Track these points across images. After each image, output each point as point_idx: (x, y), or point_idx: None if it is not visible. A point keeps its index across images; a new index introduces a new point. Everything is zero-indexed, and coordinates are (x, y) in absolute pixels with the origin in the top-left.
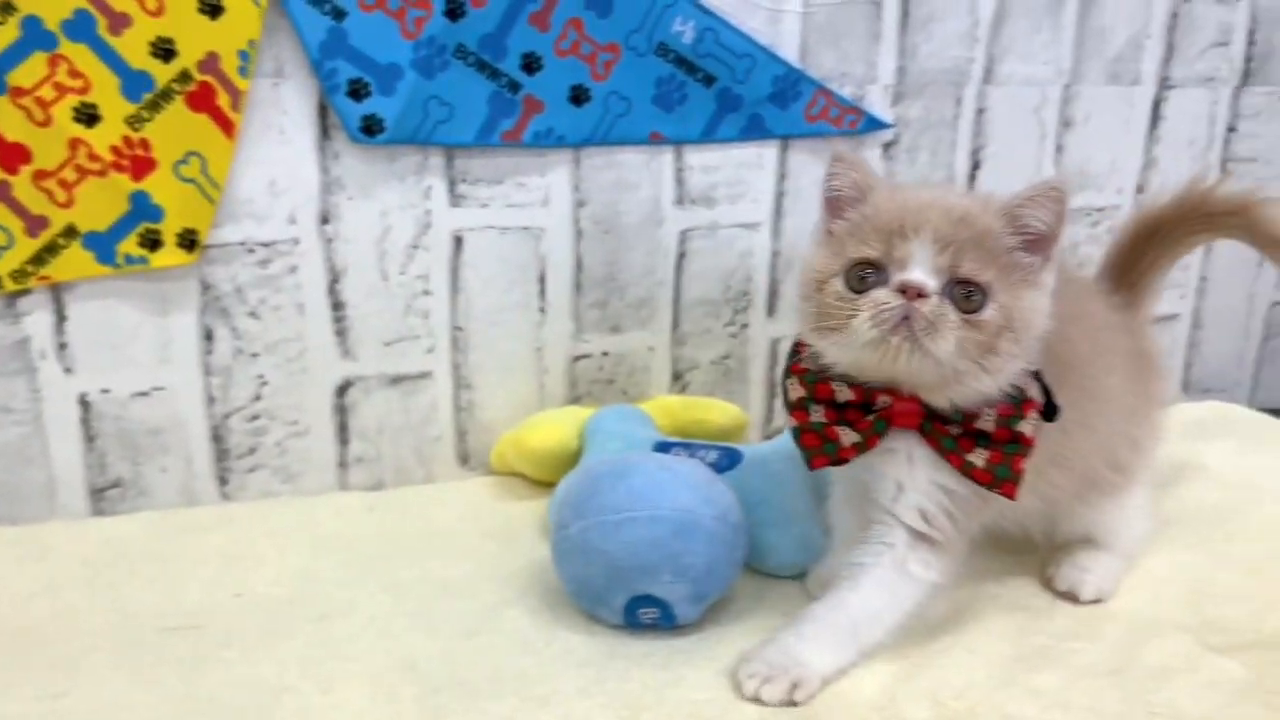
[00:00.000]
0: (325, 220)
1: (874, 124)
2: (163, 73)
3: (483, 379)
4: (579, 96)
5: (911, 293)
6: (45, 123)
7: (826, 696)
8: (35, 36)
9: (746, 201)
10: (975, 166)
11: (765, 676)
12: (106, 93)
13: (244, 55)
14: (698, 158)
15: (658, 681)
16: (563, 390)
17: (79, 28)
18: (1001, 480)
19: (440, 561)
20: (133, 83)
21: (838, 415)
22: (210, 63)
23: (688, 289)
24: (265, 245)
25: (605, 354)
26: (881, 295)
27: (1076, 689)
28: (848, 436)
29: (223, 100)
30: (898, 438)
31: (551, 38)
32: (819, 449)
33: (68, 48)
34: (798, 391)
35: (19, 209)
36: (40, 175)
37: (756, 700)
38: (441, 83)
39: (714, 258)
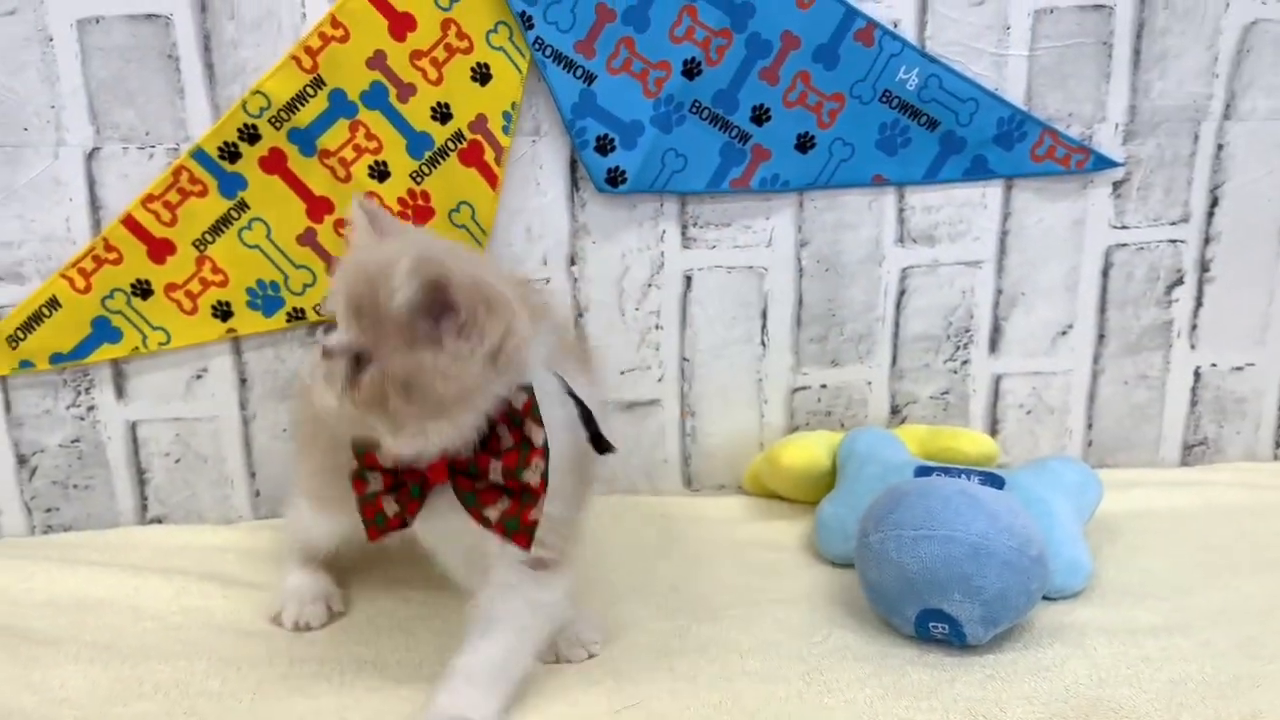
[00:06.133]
0: (573, 262)
1: (1103, 163)
2: (440, 133)
3: (706, 407)
4: (805, 144)
5: (326, 353)
6: (346, 179)
7: None
8: (340, 106)
9: (968, 239)
10: (1213, 204)
11: None
12: (395, 152)
13: (507, 116)
14: (919, 198)
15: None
16: (781, 420)
17: (375, 97)
18: (512, 533)
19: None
20: (417, 143)
21: (393, 481)
22: (480, 123)
23: (907, 325)
24: None
25: (824, 386)
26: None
27: None
28: (390, 507)
29: (489, 156)
30: (441, 496)
31: (780, 90)
32: (373, 520)
33: (365, 115)
34: (353, 463)
35: (322, 252)
36: (340, 224)
37: None
38: (678, 136)
39: (935, 294)
